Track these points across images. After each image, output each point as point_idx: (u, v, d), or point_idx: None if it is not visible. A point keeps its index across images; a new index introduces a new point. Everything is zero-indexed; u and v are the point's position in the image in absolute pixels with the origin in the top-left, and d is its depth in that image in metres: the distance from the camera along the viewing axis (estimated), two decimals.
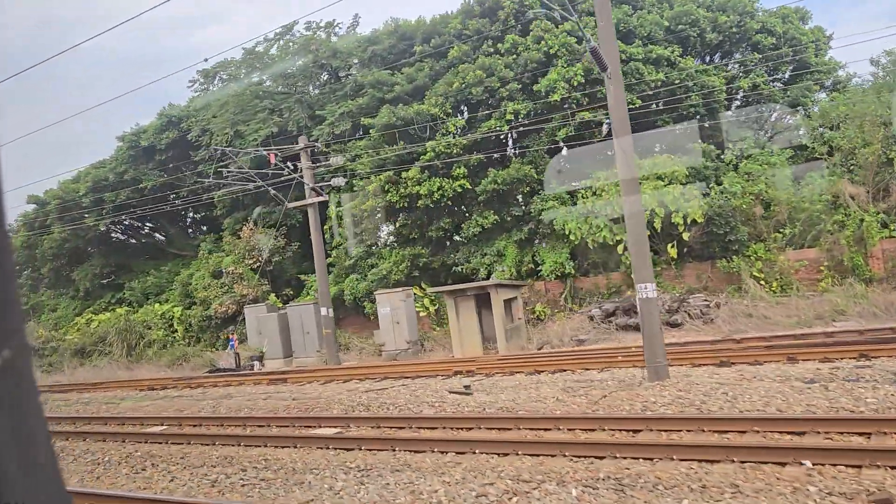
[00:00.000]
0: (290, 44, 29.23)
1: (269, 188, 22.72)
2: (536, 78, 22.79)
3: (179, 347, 31.57)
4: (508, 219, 23.42)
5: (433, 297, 24.41)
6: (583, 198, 21.80)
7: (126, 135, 35.87)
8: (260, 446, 10.62)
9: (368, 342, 24.80)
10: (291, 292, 31.51)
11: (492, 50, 24.21)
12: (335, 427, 11.21)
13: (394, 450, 9.13)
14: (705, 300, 19.54)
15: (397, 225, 24.84)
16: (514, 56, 23.48)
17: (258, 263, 30.89)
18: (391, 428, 10.71)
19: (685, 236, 20.17)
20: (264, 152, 21.73)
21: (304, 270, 33.52)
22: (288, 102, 29.14)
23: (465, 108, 24.01)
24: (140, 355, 31.50)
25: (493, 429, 9.86)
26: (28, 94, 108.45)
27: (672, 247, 20.38)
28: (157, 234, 40.75)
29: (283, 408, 14.22)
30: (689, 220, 20.03)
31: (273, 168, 24.07)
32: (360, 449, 9.47)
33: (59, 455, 11.82)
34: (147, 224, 40.90)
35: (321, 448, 9.92)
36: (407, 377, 16.91)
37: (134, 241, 40.77)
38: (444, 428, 10.25)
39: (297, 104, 28.94)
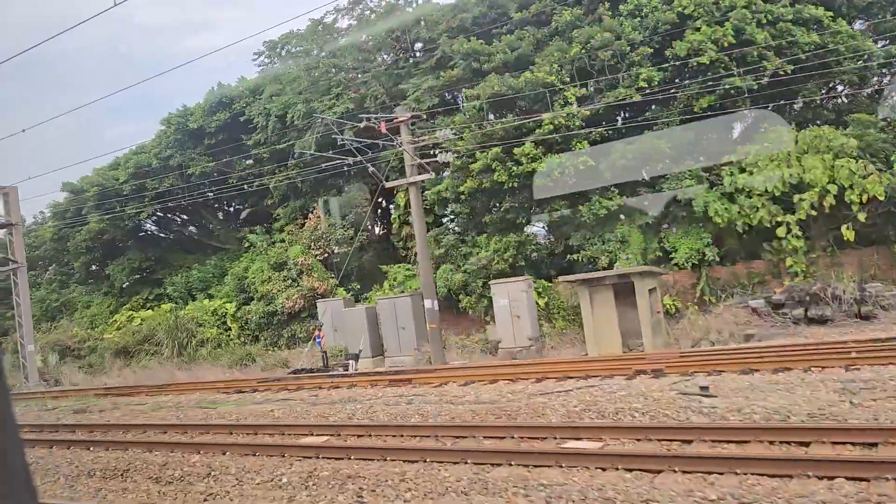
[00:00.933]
0: (366, 12, 26.59)
1: (369, 165, 20.00)
2: (667, 41, 20.22)
3: (236, 346, 28.79)
4: (633, 200, 20.77)
5: (540, 290, 21.76)
6: (729, 174, 19.19)
7: (172, 116, 33.13)
8: (511, 464, 7.93)
9: (469, 339, 22.09)
10: (358, 286, 28.79)
11: (609, 14, 21.62)
12: (595, 441, 8.51)
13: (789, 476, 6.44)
14: (888, 290, 16.94)
15: (503, 208, 22.13)
16: (640, 18, 20.91)
17: (325, 254, 28.19)
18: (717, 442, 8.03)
19: (861, 217, 17.57)
20: (373, 122, 19.02)
21: (371, 263, 30.84)
22: (364, 77, 26.47)
23: (585, 76, 21.36)
24: (192, 355, 28.67)
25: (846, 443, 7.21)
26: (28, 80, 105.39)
27: (847, 229, 17.77)
28: (194, 227, 37.92)
29: (466, 414, 11.49)
30: (864, 199, 17.44)
31: (358, 143, 21.40)
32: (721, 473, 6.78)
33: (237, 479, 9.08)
34: (182, 216, 38.13)
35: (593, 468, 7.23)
36: (570, 377, 14.24)
37: (172, 234, 37.94)
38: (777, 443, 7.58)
39: (373, 79, 26.27)
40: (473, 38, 23.46)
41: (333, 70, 26.99)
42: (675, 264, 20.14)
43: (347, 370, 20.41)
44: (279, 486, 8.63)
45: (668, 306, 20.31)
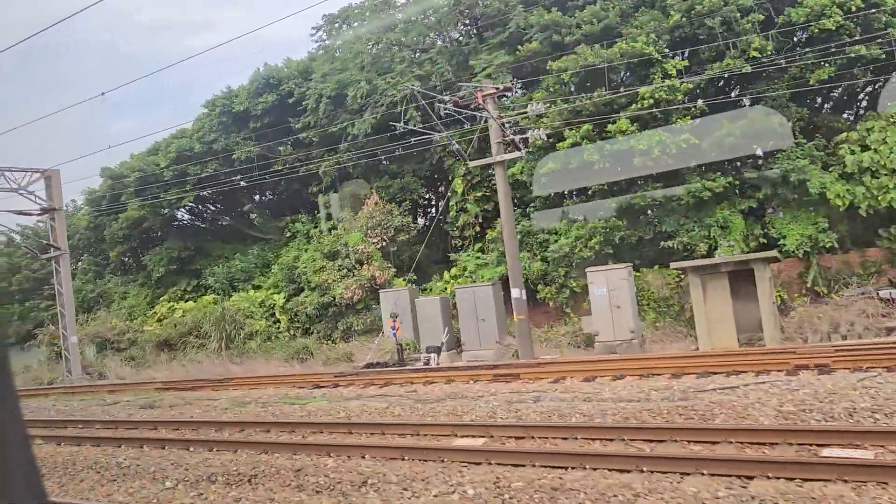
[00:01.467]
0: None
1: (454, 143, 18.49)
2: (780, 7, 18.61)
3: (285, 339, 27.41)
4: (737, 182, 19.20)
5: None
6: (850, 152, 17.58)
7: (216, 98, 31.70)
8: (770, 477, 6.42)
9: (552, 332, 20.60)
10: (415, 276, 27.32)
11: None
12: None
13: None
14: None
15: (590, 191, 20.58)
16: None
17: (382, 242, 26.70)
18: None
19: None
20: (469, 89, 17.50)
21: (423, 252, 29.37)
22: (428, 54, 24.94)
23: (686, 46, 19.77)
24: (241, 348, 27.27)
25: None
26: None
27: None
28: (232, 216, 36.47)
29: (626, 413, 9.97)
30: None
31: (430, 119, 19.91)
32: None
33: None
34: (219, 205, 36.73)
35: None
36: (713, 372, 12.72)
37: (209, 223, 36.53)
38: None
39: (438, 55, 24.74)
40: (553, 10, 21.89)
41: (396, 47, 25.47)
42: (782, 252, 18.55)
43: (428, 364, 18.92)
44: (468, 498, 7.15)
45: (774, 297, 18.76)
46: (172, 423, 13.73)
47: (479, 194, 27.06)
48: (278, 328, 28.21)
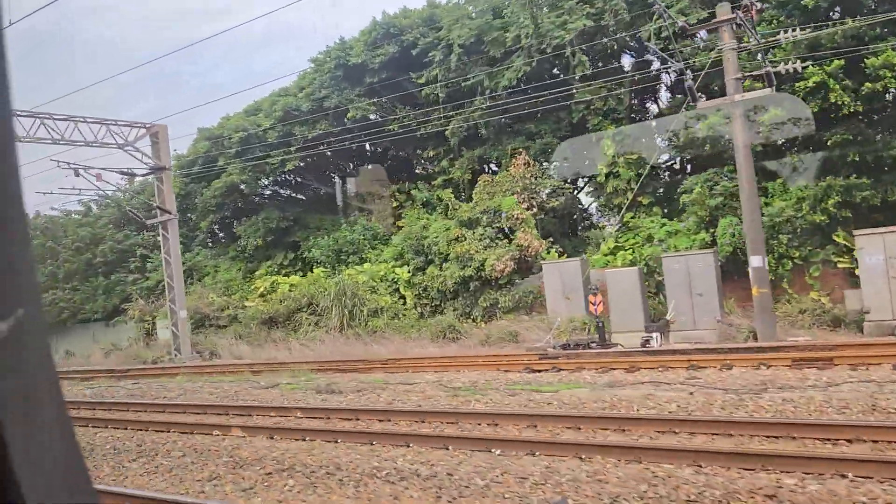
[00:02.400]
0: None
1: (688, 78, 15.14)
2: None
3: (413, 316, 24.46)
4: None
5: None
6: None
7: (331, 49, 28.67)
8: None
9: (781, 309, 17.24)
10: (568, 244, 24.17)
11: None
12: None
13: None
14: None
15: (829, 141, 17.10)
16: None
17: (530, 208, 23.51)
18: None
19: None
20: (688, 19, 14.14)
21: (564, 220, 26.21)
22: None
23: None
24: (364, 325, 24.34)
25: None
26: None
27: None
28: (331, 185, 33.53)
29: None
30: None
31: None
32: None
33: None
34: (318, 172, 33.79)
35: None
36: None
37: (309, 191, 33.63)
38: None
39: None
40: None
41: None
42: None
43: (648, 344, 15.71)
44: None
45: None
46: (407, 412, 10.72)
47: (635, 157, 23.82)
48: (403, 305, 25.24)
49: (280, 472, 8.13)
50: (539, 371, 14.01)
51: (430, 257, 25.01)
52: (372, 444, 9.14)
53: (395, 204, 30.48)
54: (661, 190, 24.06)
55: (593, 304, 16.90)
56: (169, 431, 11.35)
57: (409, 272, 25.68)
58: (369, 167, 32.90)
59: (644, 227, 20.66)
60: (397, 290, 25.68)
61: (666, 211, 22.52)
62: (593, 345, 16.38)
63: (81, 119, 22.20)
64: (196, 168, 31.63)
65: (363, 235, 29.52)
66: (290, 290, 28.05)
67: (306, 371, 17.25)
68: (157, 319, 30.51)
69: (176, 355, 24.25)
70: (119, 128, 23.24)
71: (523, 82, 24.51)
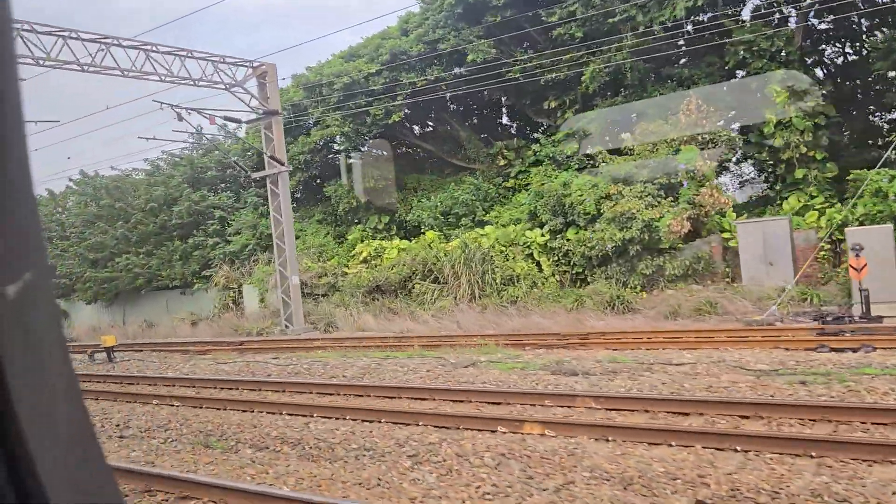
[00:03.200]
0: None
1: None
2: None
3: (552, 284, 21.49)
4: None
5: None
6: None
7: None
8: None
9: None
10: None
11: None
12: None
13: None
14: None
15: None
16: None
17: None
18: None
19: None
20: None
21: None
22: None
23: None
24: (497, 296, 21.40)
25: None
26: None
27: None
28: (429, 141, 30.35)
29: None
30: None
31: None
32: None
33: None
34: (417, 126, 30.62)
35: None
36: None
37: (408, 147, 30.50)
38: None
39: None
40: None
41: None
42: None
43: None
44: None
45: None
46: (791, 407, 7.71)
47: (812, 103, 20.61)
48: (539, 272, 22.23)
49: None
50: (839, 350, 10.96)
51: (571, 218, 21.92)
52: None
53: (502, 162, 27.36)
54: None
55: (854, 269, 13.74)
56: (453, 427, 8.44)
57: (543, 235, 22.62)
58: (474, 121, 29.71)
59: (872, 181, 17.30)
60: (530, 255, 22.66)
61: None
62: (856, 318, 13.28)
63: (187, 54, 19.15)
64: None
65: (474, 196, 26.48)
66: (398, 256, 25.12)
67: (488, 346, 14.31)
68: (243, 287, 27.75)
69: (286, 326, 21.41)
70: (226, 66, 20.15)
71: (685, 18, 21.24)
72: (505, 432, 8.05)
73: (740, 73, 22.85)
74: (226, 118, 20.58)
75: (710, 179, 19.19)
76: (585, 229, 21.51)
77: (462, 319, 19.88)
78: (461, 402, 9.64)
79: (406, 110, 26.89)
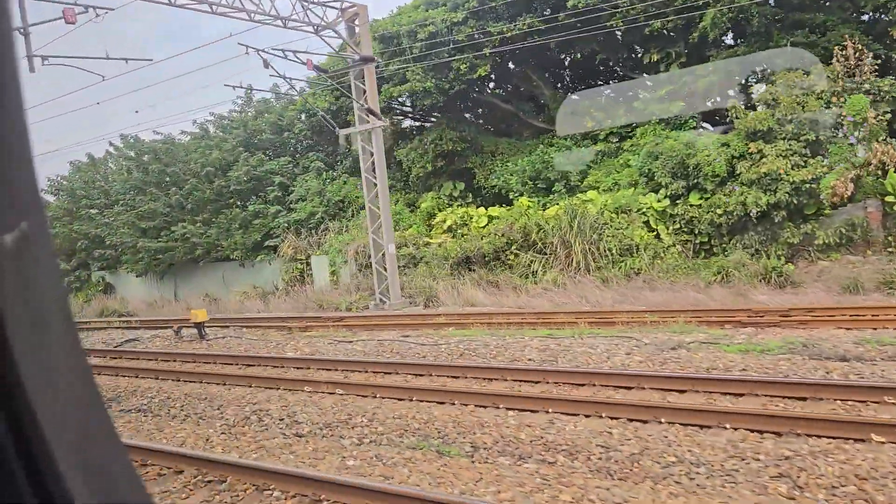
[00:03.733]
0: None
1: None
2: None
3: (674, 255, 19.37)
4: None
5: None
6: None
7: None
8: None
9: None
10: None
11: None
12: None
13: None
14: None
15: None
16: None
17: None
18: None
19: None
20: None
21: None
22: None
23: None
24: (613, 267, 19.30)
25: None
26: None
27: None
28: (509, 101, 27.97)
29: None
30: None
31: None
32: None
33: None
34: (496, 86, 28.25)
35: None
36: None
37: (486, 108, 28.14)
38: None
39: None
40: None
41: None
42: None
43: None
44: None
45: None
46: None
47: None
48: (659, 241, 20.07)
49: None
50: None
51: (695, 181, 19.69)
52: None
53: (589, 123, 25.03)
54: None
55: None
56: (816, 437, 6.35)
57: (660, 201, 20.42)
58: (562, 79, 27.30)
59: None
60: (646, 223, 20.48)
61: None
62: None
63: None
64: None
65: (566, 158, 24.24)
66: (486, 226, 22.97)
67: (677, 324, 12.21)
68: (311, 258, 25.67)
69: (382, 300, 19.34)
70: (314, 5, 17.79)
71: None
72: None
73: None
74: (315, 67, 18.28)
75: (878, 135, 16.88)
76: (713, 193, 19.32)
77: (586, 294, 17.78)
78: (796, 398, 7.46)
79: (490, 65, 24.50)
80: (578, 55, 25.38)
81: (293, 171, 28.65)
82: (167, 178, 28.87)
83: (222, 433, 8.67)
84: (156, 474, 7.08)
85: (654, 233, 20.28)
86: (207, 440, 8.27)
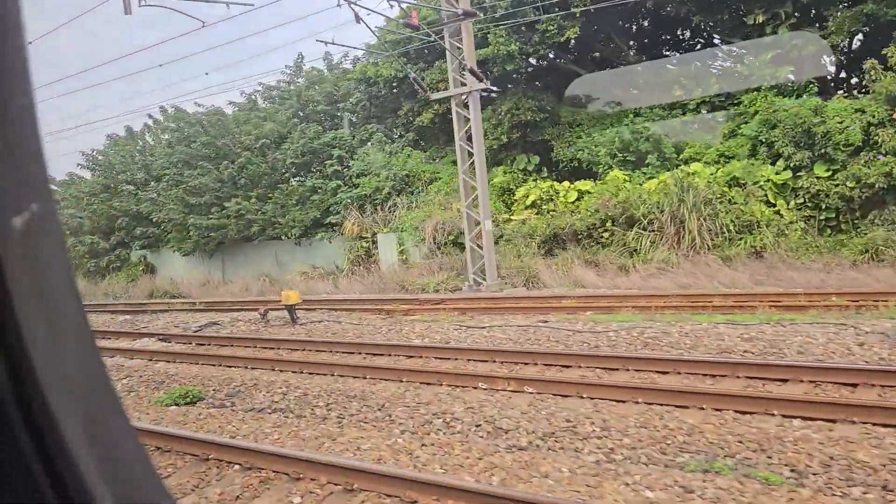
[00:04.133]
0: None
1: None
2: None
3: (797, 230, 17.53)
4: None
5: None
6: None
7: None
8: None
9: None
10: None
11: None
12: None
13: None
14: None
15: None
16: None
17: None
18: None
19: None
20: None
21: None
22: None
23: None
24: (730, 245, 17.47)
25: None
26: None
27: None
28: (586, 67, 25.94)
29: None
30: None
31: None
32: None
33: None
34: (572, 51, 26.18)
35: None
36: None
37: (558, 74, 26.11)
38: None
39: None
40: None
41: None
42: None
43: None
44: None
45: None
46: None
47: None
48: (780, 217, 18.20)
49: None
50: None
51: (821, 150, 17.76)
52: None
53: (678, 92, 23.07)
54: None
55: None
56: None
57: (777, 172, 18.52)
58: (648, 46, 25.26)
59: None
60: (764, 197, 18.60)
61: None
62: None
63: None
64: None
65: (660, 128, 22.34)
66: (575, 203, 21.14)
67: (877, 310, 10.40)
68: (378, 236, 23.93)
69: (476, 282, 17.58)
70: None
71: None
72: None
73: None
74: (406, 24, 16.37)
75: None
76: (842, 165, 17.41)
77: (712, 273, 15.96)
78: None
79: (579, 26, 22.49)
80: (671, 14, 23.31)
81: (351, 145, 26.79)
82: (217, 152, 27.06)
83: (413, 442, 6.94)
84: None
85: (774, 208, 18.42)
86: (410, 454, 6.53)
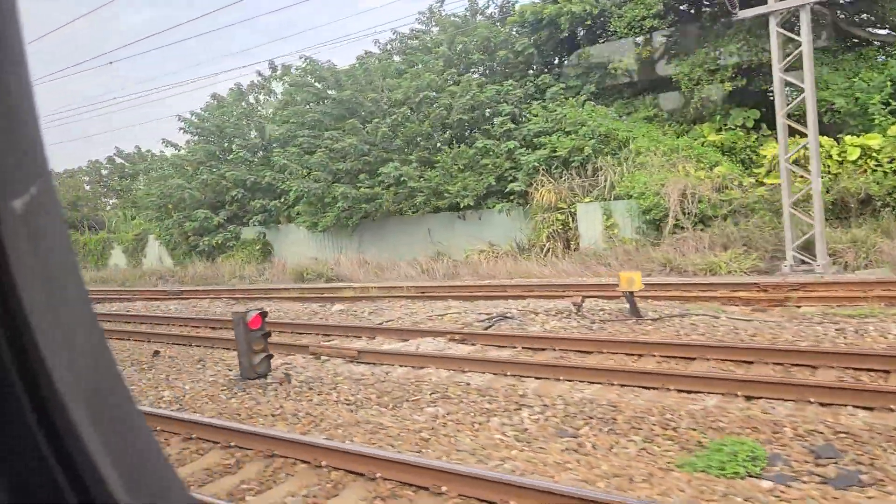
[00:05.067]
0: None
1: None
2: None
3: None
4: None
5: None
6: None
7: None
8: None
9: None
10: None
11: None
12: None
13: None
14: None
15: None
16: None
17: None
18: None
19: None
20: None
21: None
22: None
23: None
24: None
25: None
26: None
27: None
28: None
29: None
30: None
31: None
32: None
33: None
34: None
35: None
36: None
37: None
38: None
39: None
40: None
41: None
42: None
43: None
44: None
45: None
46: None
47: None
48: None
49: None
50: None
51: None
52: None
53: None
54: None
55: None
56: None
57: None
58: None
59: None
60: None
61: None
62: None
63: None
64: None
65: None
66: (866, 158, 16.88)
67: None
68: (577, 207, 19.88)
69: (802, 261, 13.43)
70: None
71: None
72: None
73: None
74: None
75: None
76: None
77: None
78: None
79: None
80: None
81: (519, 99, 22.58)
82: (359, 109, 22.96)
83: None
84: None
85: None
86: None
